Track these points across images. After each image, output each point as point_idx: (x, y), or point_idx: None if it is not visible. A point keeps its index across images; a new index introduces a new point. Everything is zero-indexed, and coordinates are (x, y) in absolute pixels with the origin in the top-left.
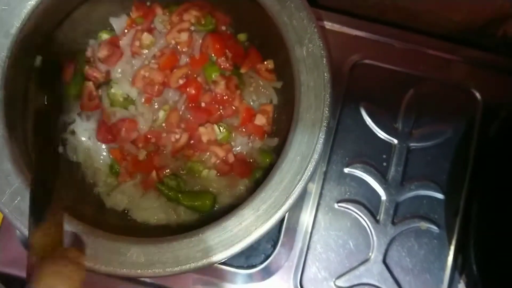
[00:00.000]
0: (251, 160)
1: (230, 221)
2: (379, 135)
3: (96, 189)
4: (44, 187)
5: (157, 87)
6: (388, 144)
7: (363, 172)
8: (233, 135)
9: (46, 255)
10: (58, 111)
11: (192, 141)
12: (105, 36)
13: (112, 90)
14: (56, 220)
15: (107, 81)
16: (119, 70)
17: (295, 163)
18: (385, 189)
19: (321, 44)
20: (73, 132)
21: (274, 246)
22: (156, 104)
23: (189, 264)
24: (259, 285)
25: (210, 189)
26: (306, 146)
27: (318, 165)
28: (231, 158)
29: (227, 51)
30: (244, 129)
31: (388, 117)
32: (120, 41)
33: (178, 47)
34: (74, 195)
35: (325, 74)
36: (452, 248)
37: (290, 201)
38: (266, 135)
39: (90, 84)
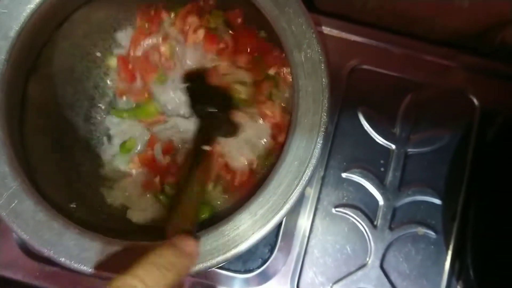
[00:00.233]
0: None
1: (227, 225)
2: (377, 140)
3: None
4: None
5: None
6: (386, 149)
7: (361, 177)
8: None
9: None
10: None
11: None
12: (113, 62)
13: None
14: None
15: None
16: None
17: (292, 167)
18: (382, 194)
19: (320, 50)
20: None
21: (271, 251)
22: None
23: None
24: None
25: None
26: (304, 150)
27: (316, 169)
28: (243, 178)
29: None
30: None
31: (386, 122)
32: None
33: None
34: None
35: (323, 79)
36: (450, 253)
37: (287, 206)
38: None
39: None
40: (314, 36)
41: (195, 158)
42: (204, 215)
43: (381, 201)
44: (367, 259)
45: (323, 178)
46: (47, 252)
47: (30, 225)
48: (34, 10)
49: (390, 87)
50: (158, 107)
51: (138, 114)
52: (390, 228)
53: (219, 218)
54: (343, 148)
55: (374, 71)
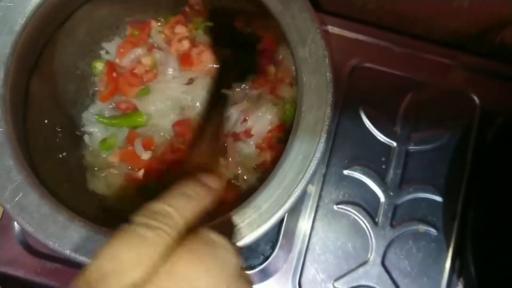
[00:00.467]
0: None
1: (232, 219)
2: (378, 137)
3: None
4: None
5: None
6: (387, 147)
7: (362, 174)
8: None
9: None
10: None
11: None
12: (99, 66)
13: None
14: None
15: None
16: None
17: (297, 162)
18: (384, 191)
19: (324, 45)
20: None
21: (273, 248)
22: None
23: None
24: (257, 286)
25: None
26: (308, 145)
27: (319, 164)
28: None
29: None
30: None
31: (387, 120)
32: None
33: None
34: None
35: (328, 74)
36: (450, 250)
37: (292, 200)
38: None
39: None
40: (318, 31)
41: (215, 100)
42: None
43: (382, 198)
44: (369, 256)
45: (324, 175)
46: (52, 244)
47: (35, 218)
48: (39, 5)
49: (391, 85)
50: (144, 118)
51: (124, 123)
52: (391, 225)
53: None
54: (344, 146)
55: (376, 69)
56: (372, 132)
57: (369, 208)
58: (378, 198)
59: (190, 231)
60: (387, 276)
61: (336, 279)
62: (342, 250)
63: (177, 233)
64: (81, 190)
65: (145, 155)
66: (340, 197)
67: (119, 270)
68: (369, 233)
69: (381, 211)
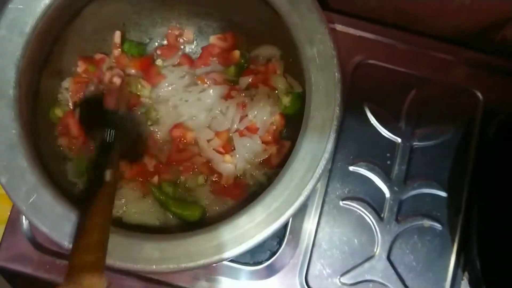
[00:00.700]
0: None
1: (242, 218)
2: (383, 134)
3: None
4: None
5: None
6: (392, 143)
7: (367, 170)
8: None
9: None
10: None
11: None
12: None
13: None
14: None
15: None
16: None
17: (305, 161)
18: (389, 187)
19: (332, 45)
20: None
21: (279, 243)
22: None
23: (201, 260)
24: (264, 282)
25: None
26: (317, 144)
27: (328, 163)
28: (229, 181)
29: None
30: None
31: (391, 117)
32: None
33: None
34: None
35: (336, 73)
36: (455, 245)
37: (301, 199)
38: None
39: None
40: (326, 31)
41: (96, 183)
42: (194, 216)
43: (387, 194)
44: (374, 251)
45: (330, 171)
46: (67, 245)
47: (49, 218)
48: (49, 6)
49: (396, 82)
50: None
51: None
52: (397, 221)
53: (211, 219)
54: (349, 142)
55: (380, 66)
56: (377, 128)
57: (375, 203)
58: (383, 194)
59: None
60: (392, 271)
61: (342, 274)
62: (348, 245)
63: None
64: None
65: (151, 164)
66: (346, 193)
67: None
68: (375, 228)
69: (386, 207)
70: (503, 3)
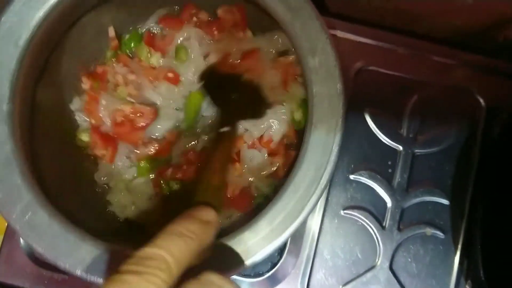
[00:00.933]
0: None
1: (245, 234)
2: (384, 141)
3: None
4: None
5: None
6: (393, 150)
7: (369, 178)
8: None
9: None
10: None
11: None
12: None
13: None
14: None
15: None
16: None
17: (309, 174)
18: (390, 195)
19: (334, 55)
20: None
21: (281, 254)
22: None
23: None
24: None
25: None
26: (320, 156)
27: (332, 176)
28: (235, 191)
29: None
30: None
31: (393, 123)
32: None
33: None
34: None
35: (338, 84)
36: (458, 253)
37: (304, 213)
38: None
39: None
40: (328, 41)
41: (215, 142)
42: None
43: (389, 202)
44: (376, 260)
45: (330, 180)
46: (63, 265)
47: (45, 237)
48: (44, 18)
49: (396, 87)
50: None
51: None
52: (399, 229)
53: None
54: (350, 150)
55: (380, 72)
56: (378, 135)
57: (376, 212)
58: (385, 202)
59: (190, 272)
60: (395, 280)
61: (345, 284)
62: (350, 254)
63: (172, 278)
64: (96, 205)
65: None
66: (347, 202)
67: None
68: (377, 237)
69: (388, 215)
70: (505, 3)
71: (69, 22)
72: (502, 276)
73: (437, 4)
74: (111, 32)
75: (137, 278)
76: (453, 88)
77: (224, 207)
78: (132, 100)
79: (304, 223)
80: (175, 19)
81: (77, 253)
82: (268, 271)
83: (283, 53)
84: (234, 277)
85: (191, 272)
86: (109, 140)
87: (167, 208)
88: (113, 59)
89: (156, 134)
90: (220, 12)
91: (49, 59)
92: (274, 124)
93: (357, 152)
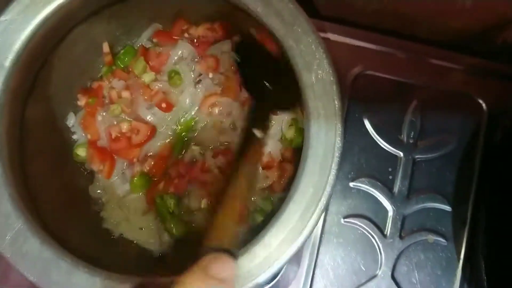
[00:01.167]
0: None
1: (242, 258)
2: (384, 147)
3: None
4: None
5: None
6: (394, 157)
7: (369, 186)
8: None
9: None
10: None
11: None
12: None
13: None
14: None
15: None
16: None
17: (307, 195)
18: (391, 203)
19: (331, 71)
20: None
21: None
22: None
23: None
24: None
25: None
26: (319, 177)
27: (331, 196)
28: None
29: None
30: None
31: (392, 129)
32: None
33: None
34: None
35: (336, 101)
36: (461, 260)
37: (304, 235)
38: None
39: None
40: (324, 56)
41: (243, 145)
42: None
43: (390, 210)
44: (378, 269)
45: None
46: None
47: (37, 265)
48: (30, 37)
49: (395, 92)
50: None
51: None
52: (400, 237)
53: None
54: (350, 157)
55: (379, 76)
56: (378, 142)
57: (377, 220)
58: (385, 210)
59: None
60: None
61: None
62: (352, 264)
63: None
64: (91, 224)
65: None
66: (347, 210)
67: None
68: (378, 246)
69: (389, 223)
70: (505, 3)
71: (58, 38)
72: (506, 284)
73: (436, 5)
74: (106, 47)
75: None
76: (453, 92)
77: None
78: (127, 118)
79: None
80: (168, 34)
81: (71, 281)
82: (269, 282)
83: None
84: None
85: None
86: (106, 155)
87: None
88: (109, 74)
89: (151, 153)
90: (201, 30)
91: (38, 75)
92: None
93: (357, 159)
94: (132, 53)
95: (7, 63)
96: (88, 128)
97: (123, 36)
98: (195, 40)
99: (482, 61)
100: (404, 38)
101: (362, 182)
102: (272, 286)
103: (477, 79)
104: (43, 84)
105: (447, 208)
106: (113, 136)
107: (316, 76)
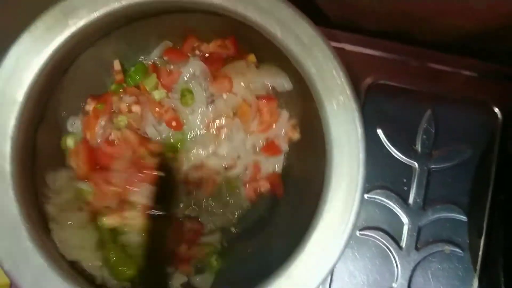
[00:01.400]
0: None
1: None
2: (398, 158)
3: None
4: None
5: None
6: (408, 167)
7: (384, 197)
8: None
9: None
10: None
11: None
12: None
13: None
14: None
15: None
16: None
17: (332, 226)
18: (407, 214)
19: (353, 97)
20: None
21: None
22: None
23: None
24: None
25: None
26: (344, 205)
27: (355, 227)
28: None
29: None
30: None
31: (406, 139)
32: None
33: None
34: None
35: (359, 128)
36: (477, 270)
37: (330, 266)
38: None
39: None
40: (346, 81)
41: None
42: (127, 275)
43: (405, 221)
44: (395, 281)
45: None
46: None
47: None
48: (42, 68)
49: (409, 101)
50: None
51: None
52: (416, 248)
53: None
54: None
55: (392, 85)
56: (392, 153)
57: (393, 232)
58: (401, 221)
59: None
60: None
61: None
62: (368, 276)
63: None
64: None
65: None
66: (362, 222)
67: None
68: (394, 258)
69: (405, 235)
70: None
71: (68, 63)
72: None
73: (446, 6)
74: (117, 65)
75: None
76: (467, 99)
77: None
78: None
79: None
80: (179, 51)
81: None
82: None
83: None
84: None
85: None
86: (92, 160)
87: None
88: (121, 90)
89: None
90: (212, 46)
91: (49, 101)
92: None
93: (371, 171)
94: (143, 70)
95: (20, 97)
96: (88, 127)
97: (133, 55)
98: (206, 55)
99: (497, 67)
100: (416, 43)
101: (377, 194)
102: None
103: (492, 85)
104: (54, 110)
105: (463, 218)
106: (110, 138)
107: (338, 103)
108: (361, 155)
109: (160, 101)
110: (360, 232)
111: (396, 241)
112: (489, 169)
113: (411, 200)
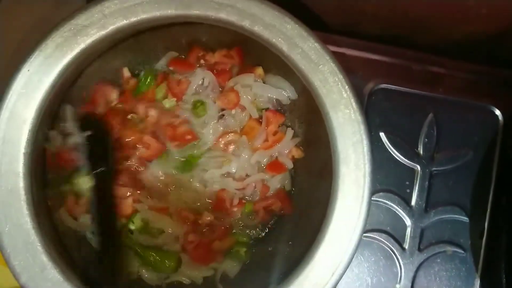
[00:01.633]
0: None
1: None
2: (400, 161)
3: None
4: None
5: None
6: (411, 170)
7: (387, 200)
8: None
9: None
10: None
11: None
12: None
13: None
14: None
15: None
16: None
17: (338, 239)
18: (409, 216)
19: (359, 110)
20: None
21: None
22: None
23: None
24: None
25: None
26: (349, 216)
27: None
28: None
29: None
30: None
31: (409, 142)
32: None
33: None
34: None
35: (364, 141)
36: (479, 270)
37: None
38: None
39: None
40: (351, 95)
41: None
42: (171, 267)
43: (408, 223)
44: (398, 282)
45: None
46: None
47: None
48: (52, 86)
49: (411, 105)
50: None
51: None
52: (419, 250)
53: None
54: None
55: (394, 89)
56: (394, 156)
57: (396, 234)
58: (404, 223)
59: None
60: None
61: None
62: (371, 278)
63: None
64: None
65: None
66: (366, 225)
67: None
68: (397, 259)
69: (408, 236)
70: None
71: (75, 77)
72: None
73: (449, 9)
74: (126, 72)
75: None
76: (469, 103)
77: None
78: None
79: None
80: (185, 61)
81: None
82: None
83: None
84: None
85: None
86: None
87: None
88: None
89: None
90: (217, 56)
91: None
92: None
93: (374, 173)
94: (152, 76)
95: (31, 115)
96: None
97: (139, 66)
98: (213, 63)
99: (498, 70)
100: (417, 47)
101: (379, 197)
102: None
103: (493, 89)
104: (61, 121)
105: (465, 219)
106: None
107: (343, 116)
108: (367, 168)
109: (173, 111)
110: (364, 235)
111: (399, 242)
112: (491, 171)
113: (413, 202)
